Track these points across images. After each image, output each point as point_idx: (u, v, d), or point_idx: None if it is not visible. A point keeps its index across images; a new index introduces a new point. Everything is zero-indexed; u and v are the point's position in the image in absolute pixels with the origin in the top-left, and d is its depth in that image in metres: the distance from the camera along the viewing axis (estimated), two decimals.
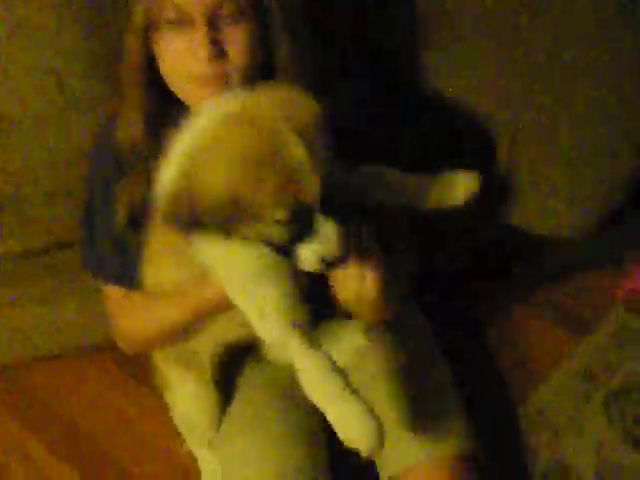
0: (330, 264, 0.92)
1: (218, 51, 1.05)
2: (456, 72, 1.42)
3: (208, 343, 1.20)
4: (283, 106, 0.92)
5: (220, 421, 1.29)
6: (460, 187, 1.13)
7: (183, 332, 1.15)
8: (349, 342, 1.26)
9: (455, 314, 1.71)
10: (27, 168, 1.35)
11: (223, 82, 1.07)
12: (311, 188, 0.89)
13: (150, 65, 1.11)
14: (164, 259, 1.11)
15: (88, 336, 1.63)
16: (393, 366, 1.24)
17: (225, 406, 1.29)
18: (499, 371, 1.64)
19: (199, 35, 1.03)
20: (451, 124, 1.45)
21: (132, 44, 1.09)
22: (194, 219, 0.91)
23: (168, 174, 0.95)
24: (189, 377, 1.25)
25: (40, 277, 1.53)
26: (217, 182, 0.89)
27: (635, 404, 1.52)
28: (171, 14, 1.04)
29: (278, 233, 0.91)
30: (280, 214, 0.89)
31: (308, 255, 0.91)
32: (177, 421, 1.38)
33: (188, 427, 1.35)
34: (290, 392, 1.24)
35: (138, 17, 1.06)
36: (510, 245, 1.63)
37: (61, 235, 1.44)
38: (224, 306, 1.01)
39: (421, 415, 1.22)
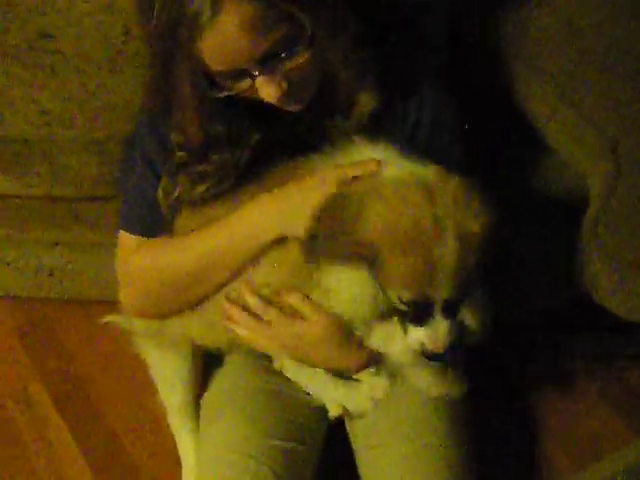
0: (427, 354, 0.97)
1: (281, 92, 0.95)
2: None
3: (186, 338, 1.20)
4: (463, 204, 0.92)
5: (199, 394, 1.29)
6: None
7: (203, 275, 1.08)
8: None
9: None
10: (65, 111, 1.30)
11: (293, 102, 1.00)
12: (442, 290, 0.91)
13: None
14: None
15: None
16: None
17: (206, 381, 1.30)
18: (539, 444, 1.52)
19: (258, 82, 0.95)
20: None
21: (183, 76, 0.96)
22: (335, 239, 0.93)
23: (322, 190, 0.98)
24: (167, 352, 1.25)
25: (72, 225, 1.49)
26: (375, 221, 0.90)
27: None
28: (221, 67, 0.94)
29: (398, 304, 0.95)
30: (404, 294, 0.93)
31: (413, 336, 0.97)
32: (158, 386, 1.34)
33: (165, 393, 1.34)
34: (287, 392, 1.24)
35: (192, 61, 0.93)
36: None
37: (88, 187, 1.39)
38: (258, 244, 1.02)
39: None
